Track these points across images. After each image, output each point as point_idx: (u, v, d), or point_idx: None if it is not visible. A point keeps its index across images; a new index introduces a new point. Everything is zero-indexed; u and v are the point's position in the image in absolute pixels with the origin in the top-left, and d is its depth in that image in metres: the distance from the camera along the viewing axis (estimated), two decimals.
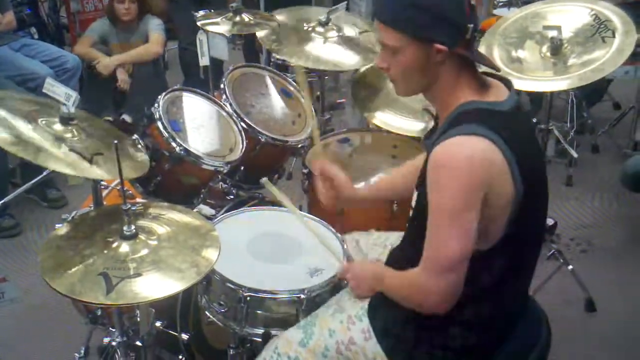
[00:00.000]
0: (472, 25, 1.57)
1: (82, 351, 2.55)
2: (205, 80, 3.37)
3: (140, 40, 4.50)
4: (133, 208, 1.83)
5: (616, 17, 2.68)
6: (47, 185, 3.88)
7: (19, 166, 3.83)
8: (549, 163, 3.95)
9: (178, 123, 2.48)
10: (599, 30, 2.68)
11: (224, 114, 2.67)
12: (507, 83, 1.68)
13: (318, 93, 3.66)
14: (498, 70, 1.71)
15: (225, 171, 2.51)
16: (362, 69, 3.12)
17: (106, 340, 2.08)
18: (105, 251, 1.73)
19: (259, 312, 2.03)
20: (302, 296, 1.99)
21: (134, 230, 1.77)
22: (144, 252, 1.74)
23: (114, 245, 1.75)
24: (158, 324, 2.08)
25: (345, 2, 3.58)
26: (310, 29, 3.24)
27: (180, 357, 2.36)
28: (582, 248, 3.54)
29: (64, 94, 2.04)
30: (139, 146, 2.24)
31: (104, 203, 2.29)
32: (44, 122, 1.97)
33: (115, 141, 1.76)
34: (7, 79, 3.80)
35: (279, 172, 2.94)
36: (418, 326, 1.69)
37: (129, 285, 1.63)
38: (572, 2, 2.81)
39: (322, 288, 2.04)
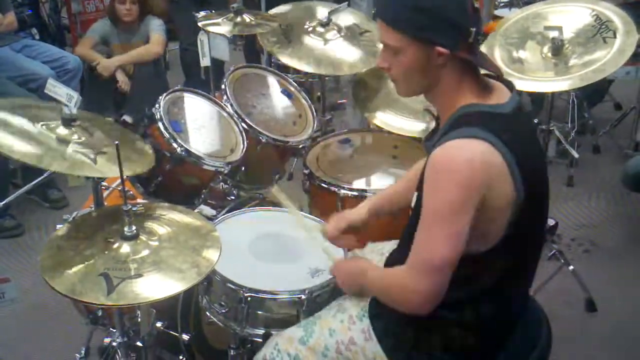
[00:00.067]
0: (475, 29, 1.56)
1: (83, 352, 2.56)
2: (206, 81, 3.37)
3: (141, 41, 4.50)
4: (134, 209, 1.83)
5: (617, 18, 2.68)
6: (48, 186, 3.88)
7: (20, 167, 3.83)
8: (550, 163, 3.94)
9: (179, 124, 2.48)
10: (600, 31, 2.68)
11: (225, 114, 2.67)
12: (509, 84, 1.68)
13: (319, 93, 3.66)
14: (501, 74, 1.70)
15: (226, 172, 2.51)
16: (363, 70, 3.12)
17: (107, 340, 2.08)
18: (106, 252, 1.74)
19: (259, 312, 2.03)
20: (303, 297, 1.99)
21: (135, 231, 1.77)
22: (145, 252, 1.74)
23: (115, 245, 1.75)
24: (159, 324, 2.08)
25: (347, 1, 3.59)
26: (310, 28, 3.24)
27: (181, 357, 2.36)
28: (583, 248, 3.54)
29: (66, 95, 2.04)
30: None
31: (105, 204, 2.29)
32: (45, 125, 1.96)
33: (117, 142, 1.76)
34: (9, 80, 3.80)
35: (279, 172, 2.94)
36: (418, 327, 1.69)
37: (130, 286, 1.63)
38: (573, 2, 2.81)
39: (323, 288, 2.04)
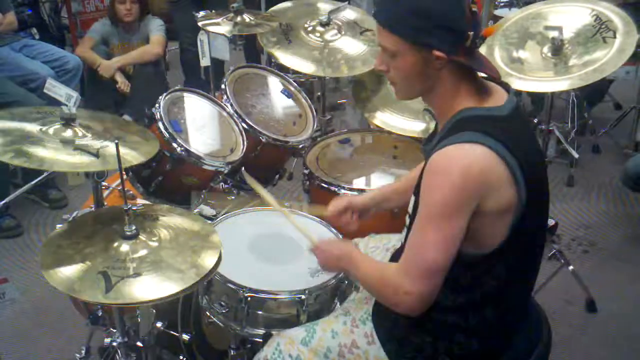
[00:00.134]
0: (472, 33, 1.55)
1: (83, 352, 2.55)
2: (206, 81, 3.37)
3: (141, 41, 4.51)
4: (134, 208, 1.83)
5: (617, 18, 2.68)
6: (48, 185, 3.88)
7: (20, 167, 3.83)
8: (550, 163, 3.95)
9: (179, 123, 2.48)
10: (599, 31, 2.68)
11: (225, 114, 2.68)
12: (506, 86, 1.68)
13: (319, 93, 3.66)
14: (499, 77, 1.69)
15: (226, 171, 2.51)
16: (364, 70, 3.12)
17: (107, 340, 2.08)
18: (106, 251, 1.74)
19: (259, 312, 2.03)
20: (303, 297, 1.99)
21: (135, 231, 1.77)
22: (145, 252, 1.74)
23: (115, 245, 1.75)
24: (159, 324, 2.08)
25: (347, 1, 3.59)
26: (311, 28, 3.24)
27: (181, 357, 2.36)
28: (583, 248, 3.54)
29: (65, 95, 2.05)
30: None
31: (105, 203, 2.29)
32: (45, 129, 1.97)
33: (116, 140, 1.76)
34: (8, 80, 3.80)
35: (280, 172, 2.94)
36: (422, 332, 1.69)
37: (128, 285, 1.63)
38: (573, 2, 2.81)
39: (323, 288, 2.04)
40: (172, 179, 2.46)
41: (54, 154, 1.85)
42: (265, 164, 2.82)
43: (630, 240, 3.61)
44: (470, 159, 1.50)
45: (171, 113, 2.50)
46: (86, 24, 5.06)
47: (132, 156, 1.98)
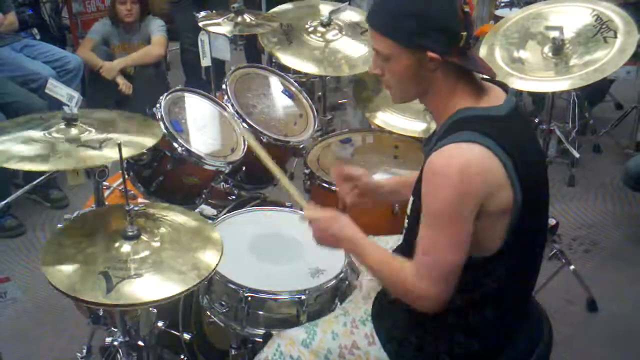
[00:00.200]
0: (465, 33, 1.55)
1: (84, 351, 2.56)
2: (207, 81, 3.38)
3: (142, 42, 4.51)
4: (136, 208, 1.83)
5: (618, 18, 2.68)
6: (49, 185, 3.88)
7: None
8: (550, 163, 3.95)
9: (180, 123, 2.48)
10: (600, 31, 2.68)
11: (226, 114, 2.68)
12: (504, 86, 1.68)
13: (320, 93, 3.66)
14: (495, 76, 1.69)
15: (226, 171, 2.51)
16: (362, 70, 3.12)
17: (108, 340, 2.08)
18: (107, 251, 1.74)
19: (260, 312, 2.04)
20: (303, 297, 1.99)
21: (137, 231, 1.77)
22: (146, 252, 1.74)
23: (116, 245, 1.76)
24: (160, 324, 2.08)
25: (347, 1, 3.59)
26: (312, 28, 3.24)
27: (182, 357, 2.37)
28: (584, 248, 3.54)
29: (66, 95, 2.05)
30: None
31: (106, 203, 2.29)
32: (49, 131, 1.98)
33: (119, 142, 1.76)
34: (9, 80, 3.80)
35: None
36: (423, 332, 1.69)
37: (129, 286, 1.63)
38: (574, 2, 2.81)
39: (323, 289, 2.04)
40: (173, 179, 2.46)
41: (56, 153, 1.86)
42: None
43: (631, 240, 3.61)
44: (468, 158, 1.50)
45: (172, 113, 2.50)
46: (87, 24, 5.06)
47: (136, 143, 1.98)
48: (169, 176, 2.45)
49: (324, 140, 2.96)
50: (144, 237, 1.78)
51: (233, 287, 2.02)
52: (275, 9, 3.48)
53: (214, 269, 1.74)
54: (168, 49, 4.95)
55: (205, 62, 3.39)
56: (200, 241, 1.83)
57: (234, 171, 2.63)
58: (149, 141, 2.02)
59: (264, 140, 2.65)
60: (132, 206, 1.77)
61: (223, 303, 2.06)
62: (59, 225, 1.92)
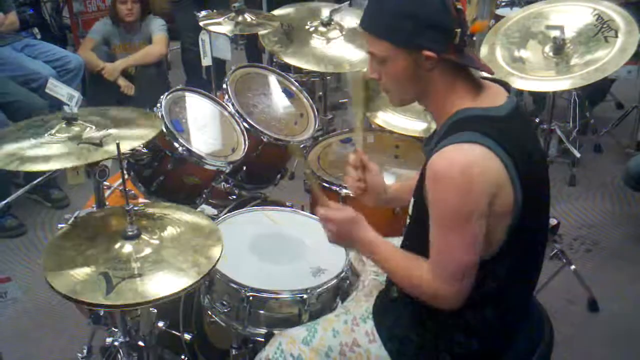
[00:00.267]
0: (460, 30, 1.55)
1: (85, 351, 2.56)
2: (207, 81, 3.38)
3: (143, 41, 4.51)
4: (136, 208, 1.83)
5: (619, 17, 2.67)
6: (50, 185, 3.88)
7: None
8: (551, 163, 3.95)
9: (180, 123, 2.48)
10: (601, 30, 2.67)
11: (227, 114, 2.68)
12: (505, 86, 1.67)
13: (320, 93, 3.66)
14: (492, 73, 1.69)
15: (227, 171, 2.51)
16: (365, 69, 3.11)
17: (109, 340, 2.08)
18: (107, 251, 1.74)
19: (261, 312, 2.04)
20: (305, 296, 1.99)
21: (137, 231, 1.77)
22: (146, 252, 1.74)
23: (116, 245, 1.75)
24: (160, 324, 2.07)
25: (348, 0, 3.59)
26: (312, 28, 3.24)
27: (183, 357, 2.36)
28: (585, 248, 3.53)
29: (67, 94, 2.05)
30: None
31: (107, 203, 2.29)
32: (50, 132, 1.98)
33: (117, 141, 1.76)
34: (10, 79, 3.81)
35: (281, 172, 2.94)
36: (423, 331, 1.69)
37: (129, 286, 1.63)
38: (575, 2, 2.80)
39: (325, 288, 2.04)
40: (174, 179, 2.46)
41: (58, 152, 1.86)
42: (266, 163, 2.82)
43: (632, 240, 3.61)
44: (469, 159, 1.49)
45: (173, 113, 2.50)
46: (88, 23, 5.06)
47: (137, 135, 1.99)
48: (169, 176, 2.45)
49: (325, 139, 2.96)
50: (144, 237, 1.78)
51: (234, 286, 2.02)
52: (275, 12, 3.48)
53: (215, 265, 1.74)
54: (169, 49, 4.96)
55: (206, 61, 3.39)
56: (201, 238, 1.83)
57: (234, 171, 2.63)
58: (149, 133, 2.02)
59: (265, 139, 2.65)
60: (132, 206, 1.77)
61: (224, 303, 2.06)
62: (60, 226, 1.92)
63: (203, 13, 3.30)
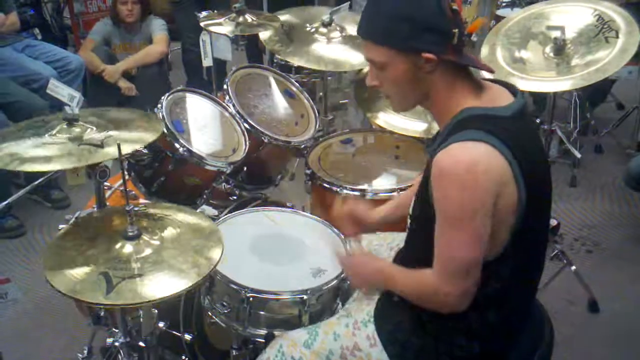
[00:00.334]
0: (457, 30, 1.55)
1: (85, 352, 2.55)
2: (208, 81, 3.37)
3: (143, 42, 4.51)
4: (136, 209, 1.83)
5: (619, 18, 2.67)
6: (50, 186, 3.88)
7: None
8: (552, 164, 3.94)
9: (181, 124, 2.48)
10: (602, 31, 2.67)
11: (227, 114, 2.68)
12: (512, 88, 1.67)
13: (321, 94, 3.66)
14: (492, 72, 1.69)
15: (228, 172, 2.51)
16: (365, 70, 3.12)
17: (109, 340, 2.08)
18: (108, 252, 1.74)
19: (261, 313, 2.04)
20: (305, 297, 1.99)
21: (137, 231, 1.77)
22: (146, 253, 1.74)
23: (117, 245, 1.76)
24: (161, 324, 2.08)
25: (348, 2, 3.59)
26: (313, 29, 3.24)
27: (183, 357, 2.36)
28: (586, 248, 3.53)
29: (68, 95, 2.05)
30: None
31: (107, 204, 2.29)
32: (51, 133, 1.98)
33: (118, 142, 1.76)
34: (11, 80, 3.81)
35: (282, 172, 2.94)
36: (424, 334, 1.69)
37: (129, 286, 1.63)
38: (576, 2, 2.80)
39: (325, 289, 2.04)
40: (175, 179, 2.46)
41: (59, 153, 1.86)
42: (267, 164, 2.82)
43: (632, 240, 3.61)
44: (474, 156, 1.49)
45: (173, 113, 2.50)
46: (88, 24, 5.07)
47: (138, 138, 1.99)
48: (170, 176, 2.45)
49: (325, 140, 2.96)
50: (144, 237, 1.78)
51: (235, 287, 2.02)
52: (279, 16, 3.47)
53: (215, 265, 1.74)
54: (170, 49, 4.96)
55: (207, 62, 3.39)
56: (201, 239, 1.83)
57: (235, 171, 2.63)
58: (150, 137, 2.02)
59: (265, 140, 2.65)
60: (132, 206, 1.77)
61: (224, 303, 2.06)
62: (60, 226, 1.92)
63: (204, 14, 3.30)
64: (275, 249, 2.24)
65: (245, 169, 2.72)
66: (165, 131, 2.35)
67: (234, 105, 2.68)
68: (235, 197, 2.78)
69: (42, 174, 2.50)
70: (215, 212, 2.63)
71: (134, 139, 1.98)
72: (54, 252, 1.75)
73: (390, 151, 2.85)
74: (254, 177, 2.82)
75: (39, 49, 4.16)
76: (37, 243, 3.63)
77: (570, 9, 2.80)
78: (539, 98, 4.55)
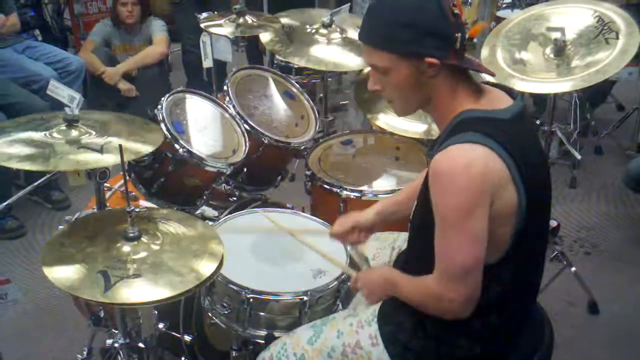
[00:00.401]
0: (459, 34, 1.56)
1: (85, 353, 2.56)
2: (208, 82, 3.37)
3: (143, 43, 4.51)
4: (137, 210, 1.83)
5: (620, 19, 2.67)
6: (50, 186, 3.88)
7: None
8: (552, 165, 3.94)
9: (181, 125, 2.48)
10: (602, 32, 2.67)
11: (227, 115, 2.68)
12: (511, 92, 1.67)
13: (321, 95, 3.66)
14: (493, 75, 1.69)
15: (228, 173, 2.51)
16: (365, 70, 3.12)
17: (109, 341, 2.08)
18: (107, 251, 1.74)
19: (261, 314, 2.04)
20: (305, 298, 1.99)
21: (137, 233, 1.77)
22: (145, 253, 1.74)
23: (117, 245, 1.76)
24: (161, 325, 2.08)
25: (349, 3, 3.59)
26: (313, 31, 3.24)
27: (183, 358, 2.37)
28: (586, 250, 3.53)
29: (68, 96, 2.05)
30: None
31: (108, 205, 2.29)
32: (50, 131, 1.98)
33: (120, 143, 1.76)
34: (11, 81, 3.81)
35: (282, 173, 2.94)
36: (426, 336, 1.68)
37: (128, 286, 1.63)
38: (576, 3, 2.80)
39: (325, 290, 2.04)
40: (174, 180, 2.46)
41: (59, 154, 1.86)
42: (267, 165, 2.82)
43: (632, 242, 3.61)
44: (470, 158, 1.49)
45: (173, 114, 2.50)
46: (89, 25, 5.08)
47: (138, 147, 1.99)
48: (170, 177, 2.45)
49: (326, 141, 2.96)
50: (144, 239, 1.78)
51: (235, 288, 2.02)
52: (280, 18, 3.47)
53: (214, 272, 1.73)
54: (170, 50, 4.96)
55: (207, 63, 3.39)
56: (201, 244, 1.82)
57: (235, 172, 2.63)
58: (148, 148, 2.03)
59: (265, 141, 2.65)
60: (132, 208, 1.77)
61: (225, 304, 2.06)
62: (60, 227, 1.92)
63: (204, 15, 3.30)
64: (275, 250, 2.24)
65: (245, 170, 2.72)
66: (166, 132, 2.36)
67: (234, 107, 2.68)
68: (235, 198, 2.78)
69: (42, 174, 2.50)
70: (216, 213, 2.63)
71: (132, 149, 1.98)
72: (52, 248, 1.75)
73: (390, 152, 2.85)
74: (254, 178, 2.82)
75: (40, 50, 4.16)
76: (37, 244, 3.63)
77: (570, 10, 2.80)
78: (539, 99, 4.56)
